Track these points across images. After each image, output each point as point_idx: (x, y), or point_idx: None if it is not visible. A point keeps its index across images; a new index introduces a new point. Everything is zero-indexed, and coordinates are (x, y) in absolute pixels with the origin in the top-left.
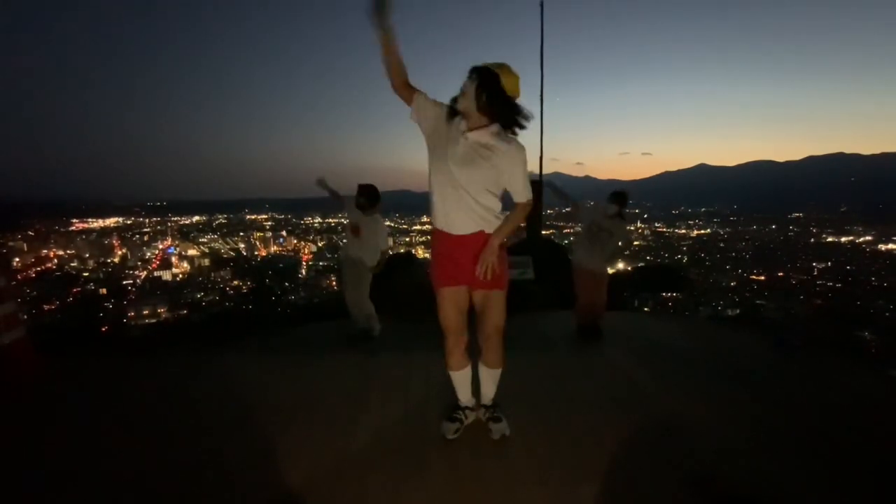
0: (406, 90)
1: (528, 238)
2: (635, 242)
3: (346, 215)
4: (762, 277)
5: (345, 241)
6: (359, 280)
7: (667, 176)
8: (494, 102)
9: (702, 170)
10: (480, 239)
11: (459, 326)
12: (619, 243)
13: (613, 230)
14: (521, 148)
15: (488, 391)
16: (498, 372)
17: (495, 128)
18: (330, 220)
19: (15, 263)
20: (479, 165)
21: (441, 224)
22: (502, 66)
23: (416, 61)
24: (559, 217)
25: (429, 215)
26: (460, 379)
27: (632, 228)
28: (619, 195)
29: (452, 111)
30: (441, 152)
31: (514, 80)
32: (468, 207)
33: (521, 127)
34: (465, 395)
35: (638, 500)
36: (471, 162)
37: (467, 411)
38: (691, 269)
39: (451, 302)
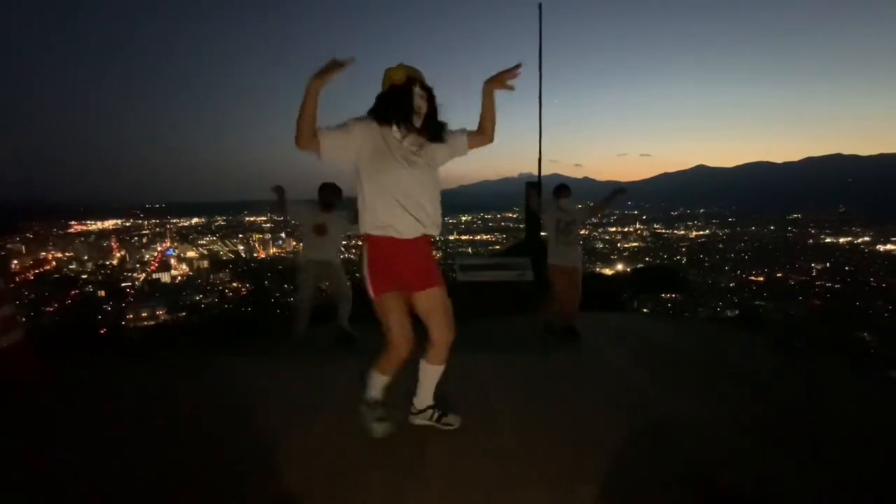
0: (314, 140)
1: (526, 240)
2: (633, 244)
3: (293, 221)
4: (761, 278)
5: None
6: (337, 280)
7: (665, 177)
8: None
9: (700, 171)
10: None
11: None
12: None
13: (576, 215)
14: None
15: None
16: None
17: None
18: None
19: (13, 266)
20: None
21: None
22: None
23: (412, 64)
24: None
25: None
26: None
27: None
28: (563, 187)
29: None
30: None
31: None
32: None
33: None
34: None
35: (636, 501)
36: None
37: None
38: (690, 271)
39: None
